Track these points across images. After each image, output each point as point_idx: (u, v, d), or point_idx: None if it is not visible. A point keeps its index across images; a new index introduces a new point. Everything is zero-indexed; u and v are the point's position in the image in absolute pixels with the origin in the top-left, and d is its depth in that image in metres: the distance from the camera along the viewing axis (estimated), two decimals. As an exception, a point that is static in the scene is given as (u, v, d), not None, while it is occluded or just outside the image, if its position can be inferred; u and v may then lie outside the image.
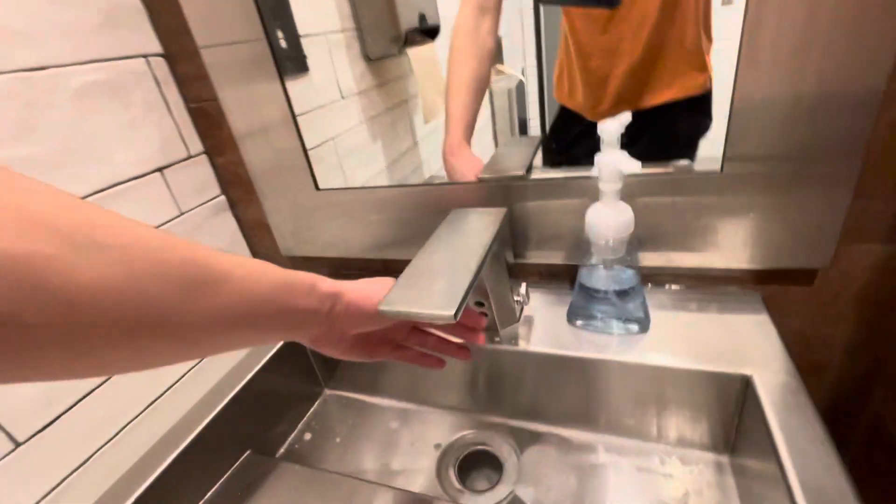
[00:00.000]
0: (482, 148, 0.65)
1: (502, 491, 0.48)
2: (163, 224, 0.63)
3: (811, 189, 0.42)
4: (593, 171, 0.52)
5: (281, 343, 0.60)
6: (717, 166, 0.44)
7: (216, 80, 0.59)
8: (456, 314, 0.32)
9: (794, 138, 0.41)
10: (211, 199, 0.70)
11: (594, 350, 0.48)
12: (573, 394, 0.51)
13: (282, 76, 0.57)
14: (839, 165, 0.41)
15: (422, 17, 0.76)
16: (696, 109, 0.52)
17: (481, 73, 0.59)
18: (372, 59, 0.73)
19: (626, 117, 0.53)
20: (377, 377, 0.63)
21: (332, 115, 0.68)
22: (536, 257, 0.57)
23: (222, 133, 0.65)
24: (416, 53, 0.77)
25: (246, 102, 0.59)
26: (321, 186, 0.63)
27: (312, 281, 0.32)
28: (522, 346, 0.51)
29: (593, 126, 0.59)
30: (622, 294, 0.47)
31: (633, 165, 0.38)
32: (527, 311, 0.56)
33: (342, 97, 0.70)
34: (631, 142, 0.55)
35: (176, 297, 0.22)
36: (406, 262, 0.67)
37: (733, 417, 0.45)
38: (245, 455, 0.51)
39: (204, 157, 0.69)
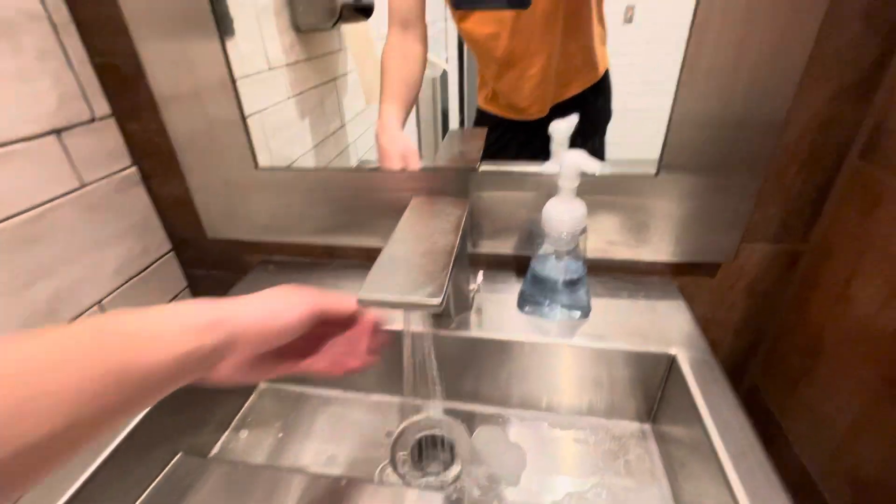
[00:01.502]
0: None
1: (456, 471, 0.49)
2: (60, 197, 0.53)
3: (726, 194, 0.50)
4: (545, 168, 0.56)
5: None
6: (652, 171, 0.50)
7: (136, 32, 0.52)
8: (442, 302, 0.32)
9: (717, 151, 0.47)
10: (120, 171, 0.61)
11: (541, 335, 0.52)
12: (520, 376, 0.54)
13: (221, 33, 0.51)
14: (749, 176, 0.48)
15: (359, -7, 0.73)
16: (597, 99, 0.59)
17: (413, 71, 0.60)
18: (302, 31, 0.69)
19: (573, 118, 0.58)
20: (319, 367, 0.60)
21: (259, 87, 0.63)
22: (488, 247, 0.59)
23: (138, 95, 0.57)
24: (350, 30, 0.74)
25: (175, 60, 0.52)
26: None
27: (198, 327, 0.27)
28: (474, 332, 0.53)
29: (514, 126, 0.63)
30: (570, 283, 0.51)
31: (595, 166, 0.42)
32: (476, 298, 0.58)
33: (269, 68, 0.65)
34: (544, 135, 0.59)
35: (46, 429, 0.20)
36: (353, 249, 0.66)
37: (657, 391, 0.51)
38: (177, 457, 0.46)
39: (112, 122, 0.59)
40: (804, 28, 0.41)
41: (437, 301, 0.32)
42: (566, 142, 0.56)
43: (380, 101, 0.59)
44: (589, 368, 0.52)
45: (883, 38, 0.42)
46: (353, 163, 0.77)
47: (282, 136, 0.67)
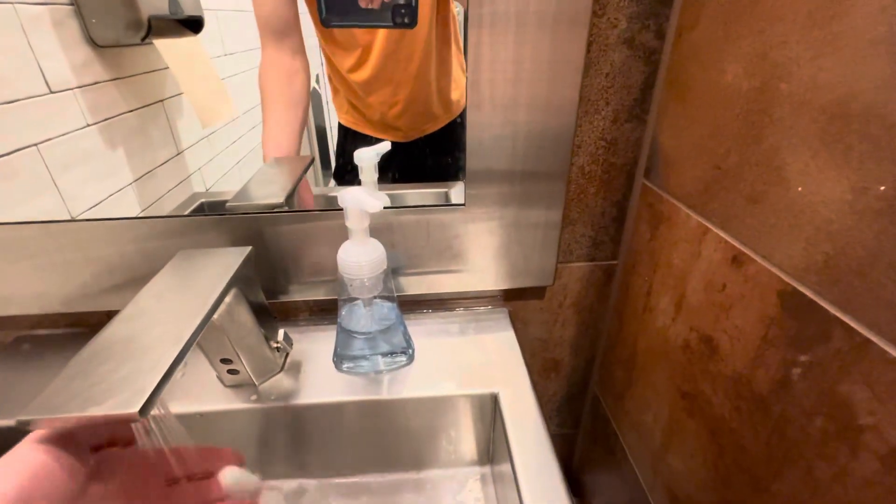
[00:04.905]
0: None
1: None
2: None
3: (534, 221, 0.49)
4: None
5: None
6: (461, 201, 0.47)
7: None
8: (144, 410, 0.24)
9: (516, 181, 0.46)
10: None
11: (364, 392, 0.46)
12: (343, 441, 0.48)
13: None
14: (551, 201, 0.47)
15: (173, 4, 0.63)
16: (456, 136, 0.56)
17: (298, 91, 0.55)
18: (102, 46, 0.57)
19: (384, 146, 0.53)
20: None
21: (33, 114, 0.50)
22: (301, 293, 0.52)
23: None
24: (170, 46, 0.63)
25: None
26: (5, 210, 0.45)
27: None
28: (283, 399, 0.45)
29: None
30: (386, 329, 0.46)
31: (375, 203, 0.37)
32: (296, 355, 0.50)
33: (50, 90, 0.52)
34: (418, 163, 0.57)
35: None
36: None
37: (489, 431, 0.48)
38: None
39: None
40: (570, 60, 0.40)
41: (133, 410, 0.24)
42: (373, 170, 0.51)
43: (262, 134, 0.54)
44: (421, 419, 0.47)
45: (644, 61, 0.44)
46: (195, 191, 0.65)
47: (79, 171, 0.54)
